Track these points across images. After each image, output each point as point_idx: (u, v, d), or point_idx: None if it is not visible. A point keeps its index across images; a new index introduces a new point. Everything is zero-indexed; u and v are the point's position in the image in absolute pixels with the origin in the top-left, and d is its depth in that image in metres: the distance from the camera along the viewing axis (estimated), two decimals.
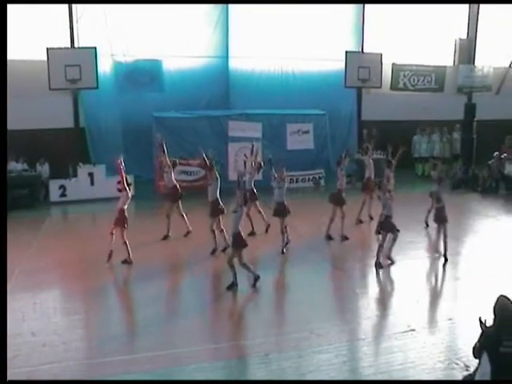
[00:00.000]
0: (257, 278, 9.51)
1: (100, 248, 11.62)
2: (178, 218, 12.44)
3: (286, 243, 11.46)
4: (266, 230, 12.61)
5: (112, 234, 10.69)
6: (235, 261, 9.43)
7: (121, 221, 10.61)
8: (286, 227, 11.44)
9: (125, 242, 10.59)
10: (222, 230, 11.27)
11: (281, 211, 11.41)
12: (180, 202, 12.42)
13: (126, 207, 10.72)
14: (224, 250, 11.23)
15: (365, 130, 15.25)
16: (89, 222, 14.72)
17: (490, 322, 5.25)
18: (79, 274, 10.22)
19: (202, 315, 8.68)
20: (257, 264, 11.17)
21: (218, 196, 11.39)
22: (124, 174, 10.73)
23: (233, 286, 9.41)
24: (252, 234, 12.17)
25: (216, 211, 11.29)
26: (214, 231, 11.34)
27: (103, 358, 7.16)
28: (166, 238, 12.26)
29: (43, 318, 8.29)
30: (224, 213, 11.29)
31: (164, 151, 12.83)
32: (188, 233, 12.38)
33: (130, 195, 10.80)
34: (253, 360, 7.17)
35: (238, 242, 9.35)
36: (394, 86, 20.73)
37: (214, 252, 11.32)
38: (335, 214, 12.25)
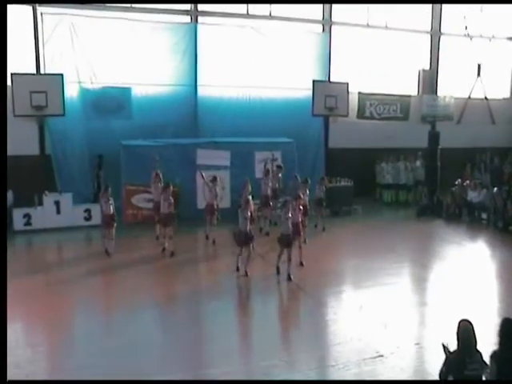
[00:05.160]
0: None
1: (65, 278, 11.46)
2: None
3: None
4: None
5: (109, 237, 12.98)
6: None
7: (111, 224, 13.02)
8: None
9: (112, 239, 12.98)
10: (171, 236, 13.10)
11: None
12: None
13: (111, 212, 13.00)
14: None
15: None
16: (54, 252, 14.39)
17: (453, 346, 5.32)
18: (43, 306, 9.94)
19: (166, 344, 8.54)
20: (223, 290, 11.16)
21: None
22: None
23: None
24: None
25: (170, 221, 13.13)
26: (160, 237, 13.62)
27: None
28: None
29: None
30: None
31: (160, 180, 14.18)
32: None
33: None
34: None
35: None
36: (360, 115, 21.13)
37: (163, 250, 13.15)
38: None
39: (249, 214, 11.71)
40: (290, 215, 11.41)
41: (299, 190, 14.05)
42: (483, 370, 5.28)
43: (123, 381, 6.68)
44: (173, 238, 13.08)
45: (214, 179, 14.34)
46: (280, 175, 16.18)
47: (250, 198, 12.63)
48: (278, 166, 16.28)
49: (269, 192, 15.47)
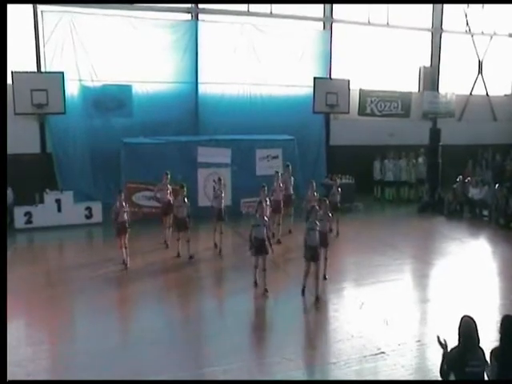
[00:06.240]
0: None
1: (66, 277, 11.47)
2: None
3: None
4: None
5: (121, 246, 12.01)
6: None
7: (123, 231, 12.08)
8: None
9: (126, 247, 12.04)
10: (189, 239, 12.59)
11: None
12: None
13: (125, 219, 12.07)
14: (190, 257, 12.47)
15: None
16: (55, 251, 14.35)
17: (450, 342, 5.32)
18: (44, 304, 9.96)
19: (170, 341, 8.53)
20: (226, 288, 11.17)
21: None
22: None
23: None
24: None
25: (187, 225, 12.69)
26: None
27: None
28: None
29: None
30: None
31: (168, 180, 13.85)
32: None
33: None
34: None
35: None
36: (361, 112, 21.09)
37: (179, 255, 12.58)
38: None
39: (264, 218, 10.60)
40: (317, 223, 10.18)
41: (309, 192, 13.64)
42: (484, 366, 5.26)
43: (123, 381, 6.67)
44: (190, 240, 12.61)
45: (219, 180, 14.02)
46: (291, 176, 15.21)
47: (264, 201, 11.84)
48: (286, 165, 15.58)
49: (281, 197, 14.39)
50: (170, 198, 13.71)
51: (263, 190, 13.01)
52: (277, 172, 14.88)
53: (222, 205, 13.37)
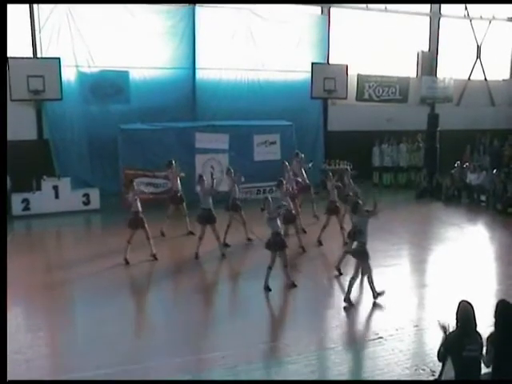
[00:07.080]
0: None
1: (64, 264, 11.47)
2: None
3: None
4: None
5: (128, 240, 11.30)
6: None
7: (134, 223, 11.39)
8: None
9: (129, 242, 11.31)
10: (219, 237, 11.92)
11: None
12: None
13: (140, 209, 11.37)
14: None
15: None
16: (54, 237, 14.36)
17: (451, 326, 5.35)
18: (43, 291, 9.97)
19: (167, 327, 8.57)
20: (226, 274, 11.19)
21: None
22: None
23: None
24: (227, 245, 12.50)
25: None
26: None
27: (67, 374, 7.00)
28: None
29: None
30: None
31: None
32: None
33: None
34: (221, 372, 7.09)
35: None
36: (359, 97, 20.98)
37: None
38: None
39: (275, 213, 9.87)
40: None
41: (329, 185, 12.74)
42: (481, 351, 5.31)
43: (124, 381, 6.70)
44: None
45: (228, 170, 13.34)
46: (300, 162, 14.33)
47: (269, 196, 10.49)
48: (296, 154, 14.84)
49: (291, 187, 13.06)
50: (178, 187, 13.48)
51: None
52: (283, 162, 14.17)
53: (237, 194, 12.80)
